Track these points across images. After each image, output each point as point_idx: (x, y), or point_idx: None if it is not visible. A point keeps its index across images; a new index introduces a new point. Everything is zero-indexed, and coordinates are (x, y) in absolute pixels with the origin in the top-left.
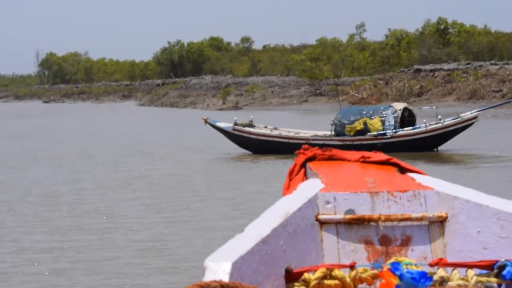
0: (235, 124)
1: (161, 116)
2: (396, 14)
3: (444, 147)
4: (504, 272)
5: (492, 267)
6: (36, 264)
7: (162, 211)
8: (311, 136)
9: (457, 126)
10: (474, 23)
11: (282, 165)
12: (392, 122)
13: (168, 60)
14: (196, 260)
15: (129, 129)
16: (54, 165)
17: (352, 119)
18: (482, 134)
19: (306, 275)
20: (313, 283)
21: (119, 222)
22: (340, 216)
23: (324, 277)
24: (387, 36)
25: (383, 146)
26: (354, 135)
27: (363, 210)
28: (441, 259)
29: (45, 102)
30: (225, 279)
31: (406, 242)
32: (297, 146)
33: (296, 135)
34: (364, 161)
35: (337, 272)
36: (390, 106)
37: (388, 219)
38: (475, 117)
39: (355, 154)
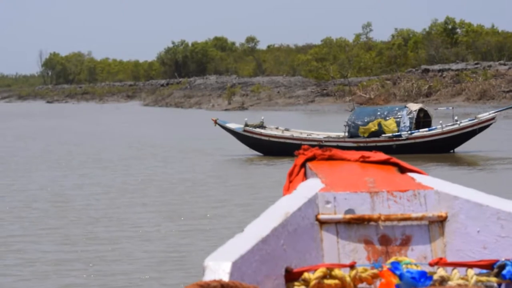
0: (246, 125)
1: (166, 117)
2: (402, 14)
3: (460, 149)
4: (504, 272)
5: (492, 267)
6: (43, 278)
7: (177, 219)
8: (324, 137)
9: (474, 127)
10: (481, 22)
11: None
12: (408, 123)
13: (172, 60)
14: None
15: (136, 130)
16: (61, 168)
17: (366, 120)
18: (497, 135)
19: (306, 275)
20: (313, 282)
21: (132, 230)
22: (340, 215)
23: (324, 276)
24: (393, 36)
25: (398, 148)
26: (368, 137)
27: (363, 209)
28: (441, 258)
29: (48, 102)
30: (225, 278)
31: (406, 241)
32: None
33: (309, 136)
34: (364, 160)
35: (337, 272)
36: (405, 106)
37: (388, 218)
38: (493, 118)
39: (355, 154)
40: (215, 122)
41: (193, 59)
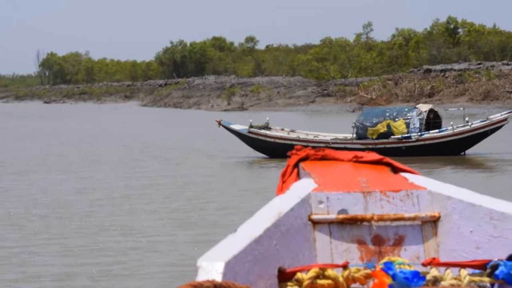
0: (251, 126)
1: (166, 117)
2: (403, 13)
3: (471, 151)
4: (496, 272)
5: (485, 267)
6: None
7: (188, 227)
8: (331, 139)
9: (486, 129)
10: (482, 22)
11: None
12: (417, 125)
13: (170, 60)
14: None
15: (135, 131)
16: (61, 171)
17: (374, 121)
18: (509, 136)
19: (299, 275)
20: (306, 282)
21: (140, 240)
22: (333, 216)
23: (317, 276)
24: (394, 36)
25: (408, 150)
26: (376, 138)
27: (356, 210)
28: (434, 258)
29: (46, 102)
30: (218, 278)
31: (399, 242)
32: None
33: (316, 138)
34: (357, 160)
35: (330, 272)
36: (415, 107)
37: (381, 219)
38: (505, 119)
39: (348, 154)
40: (219, 123)
41: (191, 59)
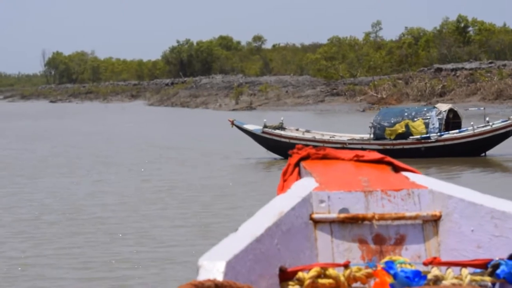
0: (265, 126)
1: (174, 117)
2: (412, 12)
3: (492, 152)
4: (498, 271)
5: (486, 266)
6: None
7: (210, 237)
8: (348, 139)
9: (508, 129)
10: (491, 21)
11: None
12: (437, 125)
13: (177, 59)
14: None
15: (145, 131)
16: (71, 173)
17: (392, 121)
18: None
19: (300, 274)
20: (307, 282)
21: (160, 251)
22: (334, 215)
23: (318, 276)
24: (403, 35)
25: (427, 150)
26: (395, 139)
27: (357, 209)
28: (435, 258)
29: (51, 101)
30: (219, 278)
31: (400, 241)
32: None
33: (332, 138)
34: (358, 160)
35: (331, 271)
36: (434, 107)
37: (382, 218)
38: None
39: (349, 153)
40: (232, 123)
41: (198, 58)
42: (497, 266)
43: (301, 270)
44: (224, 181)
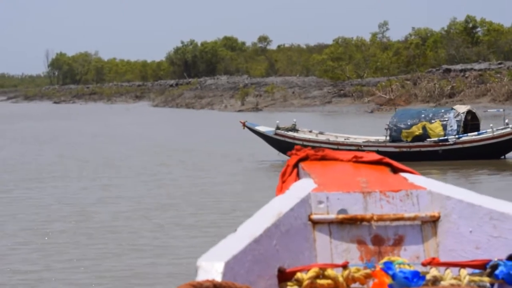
0: (277, 128)
1: (179, 118)
2: (419, 12)
3: None
4: (496, 272)
5: (484, 267)
6: None
7: None
8: (363, 142)
9: None
10: (500, 21)
11: None
12: (455, 127)
13: (181, 60)
14: None
15: (153, 132)
16: (79, 177)
17: (409, 123)
18: None
19: (299, 275)
20: (306, 282)
21: (176, 263)
22: (332, 216)
23: (317, 276)
24: (410, 35)
25: (445, 153)
26: (412, 141)
27: (355, 210)
28: (433, 258)
29: (55, 102)
30: (218, 278)
31: (398, 241)
32: None
33: (346, 140)
34: (357, 161)
35: (330, 272)
36: (452, 108)
37: (380, 218)
38: None
39: (348, 154)
40: (244, 125)
41: (202, 59)
42: (495, 266)
43: (300, 270)
44: (239, 186)
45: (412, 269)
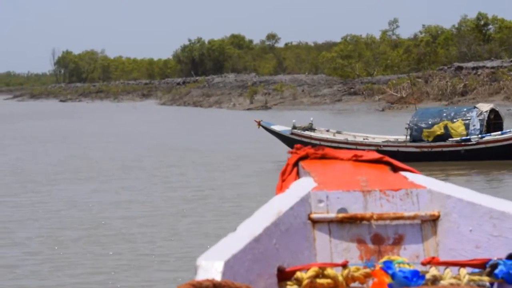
0: (294, 127)
1: (188, 116)
2: (429, 10)
3: None
4: (496, 271)
5: (484, 266)
6: None
7: None
8: (383, 141)
9: None
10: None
11: None
12: (478, 126)
13: (188, 58)
14: None
15: (160, 131)
16: (90, 179)
17: (430, 122)
18: None
19: (298, 274)
20: (305, 282)
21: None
22: (332, 215)
23: (317, 276)
24: (420, 32)
25: (467, 153)
26: (433, 141)
27: (355, 209)
28: (433, 257)
29: (61, 101)
30: (218, 278)
31: (398, 241)
32: None
33: (365, 140)
34: (357, 159)
35: (329, 271)
36: (475, 107)
37: (380, 217)
38: None
39: (348, 153)
40: (259, 124)
41: (209, 57)
42: (495, 266)
43: (300, 270)
44: (256, 188)
45: (411, 268)
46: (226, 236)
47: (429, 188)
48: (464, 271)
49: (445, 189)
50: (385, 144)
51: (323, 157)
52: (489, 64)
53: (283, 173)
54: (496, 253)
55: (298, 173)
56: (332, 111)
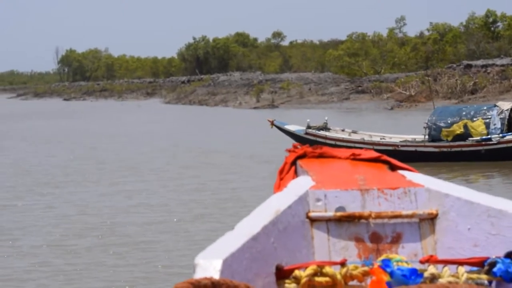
0: (308, 127)
1: (194, 115)
2: (436, 7)
3: None
4: (494, 269)
5: (482, 264)
6: None
7: None
8: (400, 141)
9: None
10: None
11: None
12: (499, 125)
13: (193, 57)
14: None
15: (167, 131)
16: (98, 182)
17: (449, 121)
18: None
19: (297, 272)
20: (304, 280)
21: None
22: (330, 213)
23: (315, 274)
24: (428, 30)
25: (488, 153)
26: (452, 141)
27: (353, 207)
28: (431, 256)
29: (65, 99)
30: (216, 276)
31: (396, 239)
32: (385, 154)
33: (382, 140)
34: (355, 158)
35: (328, 269)
36: (495, 105)
37: (378, 216)
38: None
39: (346, 152)
40: (272, 124)
41: (214, 55)
42: (493, 264)
43: (298, 268)
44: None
45: (410, 266)
46: (224, 235)
47: (427, 187)
48: (462, 269)
49: (443, 187)
50: (403, 144)
51: (321, 155)
52: (498, 62)
53: (281, 171)
54: (494, 252)
55: (296, 171)
56: (340, 109)
